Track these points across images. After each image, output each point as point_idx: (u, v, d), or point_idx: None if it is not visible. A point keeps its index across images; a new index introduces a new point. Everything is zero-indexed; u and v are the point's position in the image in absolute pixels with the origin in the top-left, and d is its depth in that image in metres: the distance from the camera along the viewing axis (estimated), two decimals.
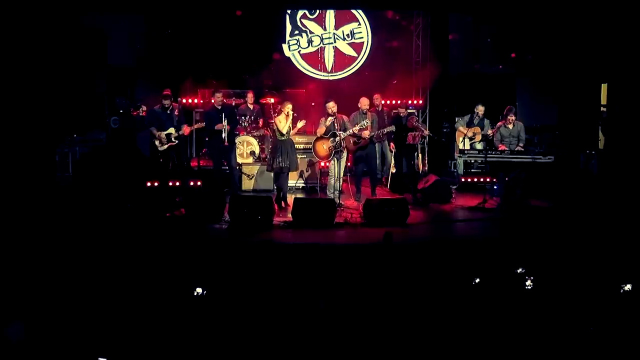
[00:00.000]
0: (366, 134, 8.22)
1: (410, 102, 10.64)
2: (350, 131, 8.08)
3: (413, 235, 7.00)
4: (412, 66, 11.33)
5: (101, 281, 5.22)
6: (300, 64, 11.40)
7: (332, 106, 8.15)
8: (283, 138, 8.10)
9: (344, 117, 8.31)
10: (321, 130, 8.24)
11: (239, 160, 9.75)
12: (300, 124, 8.19)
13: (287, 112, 8.05)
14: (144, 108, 9.62)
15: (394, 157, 9.44)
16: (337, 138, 8.10)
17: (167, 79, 9.98)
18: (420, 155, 10.30)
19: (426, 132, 9.16)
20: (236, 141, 9.50)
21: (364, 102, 8.49)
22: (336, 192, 8.29)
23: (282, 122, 8.06)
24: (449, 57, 11.36)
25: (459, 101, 10.91)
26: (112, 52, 10.21)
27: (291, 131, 8.13)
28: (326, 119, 8.20)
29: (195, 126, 8.98)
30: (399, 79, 11.06)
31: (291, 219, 7.36)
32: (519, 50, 11.42)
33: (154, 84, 10.04)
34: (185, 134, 8.82)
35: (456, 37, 11.55)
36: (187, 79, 10.44)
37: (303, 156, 9.40)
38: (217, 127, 8.47)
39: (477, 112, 9.58)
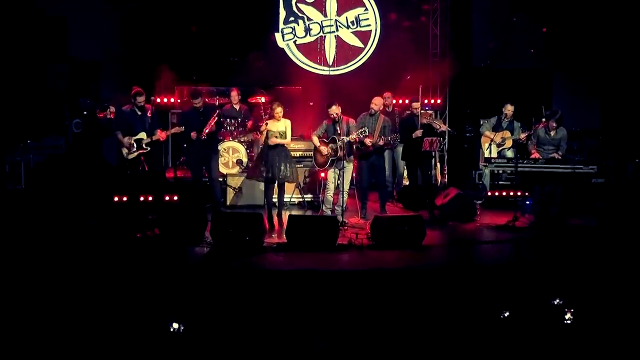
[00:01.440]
0: (367, 141, 8.31)
1: (426, 101, 10.70)
2: (347, 139, 8.17)
3: (430, 260, 7.01)
4: (429, 58, 11.41)
5: (58, 315, 5.21)
6: (296, 57, 11.49)
7: (335, 110, 8.26)
8: (271, 143, 8.26)
9: (351, 120, 8.40)
10: (315, 140, 8.41)
11: (223, 170, 9.79)
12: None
13: (276, 117, 8.19)
14: (112, 109, 9.68)
15: (407, 167, 9.48)
16: (336, 144, 8.18)
17: (138, 75, 10.06)
18: (438, 164, 10.35)
19: (444, 127, 9.05)
20: (220, 148, 9.55)
21: (377, 103, 8.59)
22: (338, 209, 8.33)
23: (264, 130, 8.18)
24: (472, 47, 11.46)
25: (485, 100, 10.97)
26: (74, 43, 10.29)
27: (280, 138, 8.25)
28: (324, 124, 8.34)
29: (172, 130, 9.00)
30: (413, 75, 11.13)
31: (285, 240, 7.37)
32: (555, 39, 11.50)
33: (124, 81, 10.14)
34: (161, 140, 8.84)
35: (480, 24, 11.65)
36: (163, 74, 10.53)
37: (300, 165, 9.48)
38: (193, 135, 8.51)
39: (506, 113, 9.63)
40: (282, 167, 8.25)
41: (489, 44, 11.78)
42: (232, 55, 11.19)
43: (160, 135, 8.69)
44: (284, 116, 8.37)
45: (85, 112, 9.48)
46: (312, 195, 9.57)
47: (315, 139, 8.45)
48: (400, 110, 10.10)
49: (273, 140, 8.20)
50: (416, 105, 9.16)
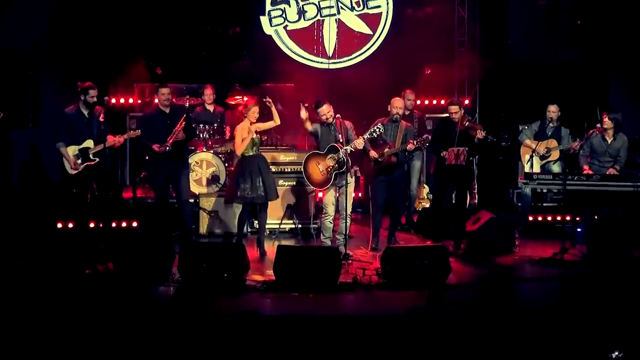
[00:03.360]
0: (373, 154, 8.41)
1: (466, 102, 10.68)
2: (355, 144, 8.21)
3: (455, 303, 6.91)
4: (454, 48, 11.49)
5: None
6: (286, 46, 11.57)
7: (325, 110, 8.33)
8: (250, 153, 8.34)
9: (347, 123, 8.47)
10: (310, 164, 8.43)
11: (196, 189, 9.82)
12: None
13: (249, 123, 8.29)
14: None
15: (435, 185, 9.45)
16: (339, 154, 8.24)
17: (85, 69, 10.10)
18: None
19: (482, 134, 8.75)
20: (191, 161, 9.59)
21: (398, 105, 8.68)
22: (339, 237, 8.39)
23: (240, 136, 8.28)
24: (509, 34, 11.51)
25: (525, 101, 11.03)
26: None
27: (253, 148, 8.36)
28: (316, 125, 8.41)
29: (130, 134, 8.92)
30: (434, 69, 11.19)
31: (273, 278, 7.40)
32: (612, 29, 11.52)
33: (66, 77, 10.18)
34: (115, 146, 8.81)
35: (519, 5, 11.73)
36: (118, 69, 10.61)
37: (291, 182, 9.55)
38: (156, 148, 8.52)
39: (550, 117, 9.67)
40: (266, 182, 8.34)
41: (529, 30, 11.84)
42: (206, 44, 11.26)
43: (113, 140, 8.63)
44: (263, 120, 8.50)
45: None
46: (304, 221, 9.62)
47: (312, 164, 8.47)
48: (420, 114, 10.13)
49: (259, 126, 8.30)
50: (454, 109, 8.90)
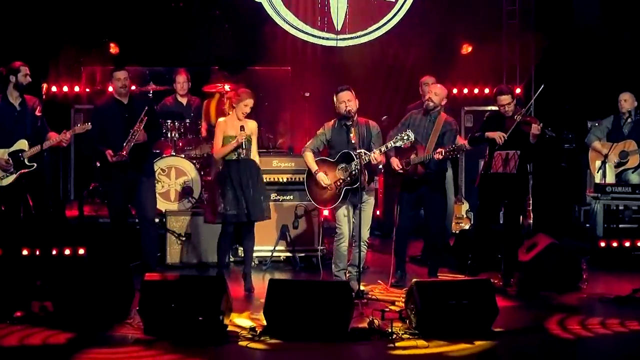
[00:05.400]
0: (396, 163, 8.50)
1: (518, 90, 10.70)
2: (381, 149, 8.21)
3: (506, 355, 6.96)
4: (503, 21, 11.47)
5: None
6: (282, 17, 11.59)
7: (346, 97, 8.28)
8: (232, 157, 8.36)
9: (371, 122, 8.49)
10: (308, 156, 8.44)
11: (162, 205, 9.80)
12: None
13: (236, 118, 8.30)
14: None
15: (481, 202, 9.32)
16: (353, 165, 8.19)
17: (14, 48, 10.09)
18: None
19: (539, 128, 8.62)
20: (156, 168, 9.56)
21: (438, 92, 8.72)
22: (351, 270, 8.32)
23: (220, 134, 8.32)
24: (574, 5, 11.51)
25: (594, 91, 11.00)
26: None
27: (244, 152, 8.37)
28: (324, 131, 8.41)
29: (78, 129, 8.85)
30: (475, 48, 11.17)
31: (264, 323, 7.34)
32: None
33: None
34: (62, 145, 8.79)
35: None
36: (59, 47, 10.58)
37: (287, 197, 9.62)
38: (109, 156, 8.53)
39: (628, 110, 9.72)
40: (254, 196, 8.32)
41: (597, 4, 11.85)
42: (177, 15, 11.23)
43: (58, 139, 8.61)
44: (251, 116, 8.53)
45: None
46: (305, 247, 9.64)
47: (310, 158, 8.42)
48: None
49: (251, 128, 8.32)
50: (506, 99, 8.90)
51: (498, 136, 8.65)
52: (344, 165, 8.32)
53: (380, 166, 8.66)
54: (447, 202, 9.93)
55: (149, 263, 8.80)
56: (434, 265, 9.04)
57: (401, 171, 8.57)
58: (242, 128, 8.25)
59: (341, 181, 8.29)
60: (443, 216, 9.24)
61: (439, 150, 8.51)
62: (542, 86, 9.05)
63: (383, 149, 8.22)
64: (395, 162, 8.54)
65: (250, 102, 8.43)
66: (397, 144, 8.22)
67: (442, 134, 8.61)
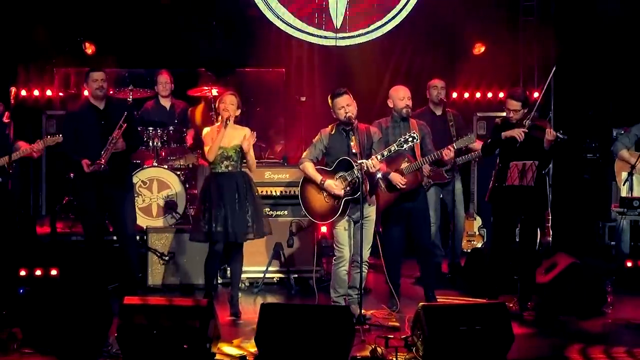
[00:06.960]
0: (397, 179, 8.51)
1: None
2: (384, 154, 8.23)
3: None
4: (519, 17, 11.49)
5: None
6: (275, 14, 11.62)
7: (345, 102, 8.27)
8: (222, 169, 8.22)
9: (372, 128, 8.57)
10: (308, 167, 8.41)
11: (143, 221, 9.81)
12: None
13: (226, 117, 8.35)
14: None
15: (495, 218, 9.32)
16: (354, 172, 8.15)
17: None
18: None
19: (552, 133, 8.69)
20: (136, 180, 9.58)
21: (402, 96, 8.72)
22: (352, 293, 8.29)
23: (209, 141, 8.41)
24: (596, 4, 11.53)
25: (621, 95, 10.99)
26: None
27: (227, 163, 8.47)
28: (322, 138, 8.43)
29: (49, 141, 8.88)
30: (487, 47, 11.19)
31: (255, 351, 7.30)
32: None
33: None
34: (33, 156, 8.80)
35: None
36: (30, 47, 10.60)
37: (281, 212, 9.59)
38: (85, 166, 8.58)
39: None
40: (240, 214, 8.35)
41: None
42: (159, 12, 11.24)
43: (29, 149, 8.63)
44: (242, 123, 8.60)
45: None
46: (300, 268, 9.69)
47: (311, 168, 8.39)
48: (456, 113, 10.10)
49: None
50: (514, 105, 8.86)
51: (517, 133, 8.58)
52: (342, 174, 8.31)
53: (380, 175, 8.60)
54: (457, 218, 9.97)
55: (129, 285, 8.79)
56: (430, 283, 9.07)
57: (426, 176, 8.53)
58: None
59: (342, 193, 8.29)
60: (427, 228, 9.21)
61: (448, 147, 8.60)
62: (554, 68, 9.04)
63: (386, 152, 8.20)
64: (396, 177, 8.48)
65: (229, 99, 8.43)
66: (403, 148, 8.20)
67: (421, 138, 8.58)
